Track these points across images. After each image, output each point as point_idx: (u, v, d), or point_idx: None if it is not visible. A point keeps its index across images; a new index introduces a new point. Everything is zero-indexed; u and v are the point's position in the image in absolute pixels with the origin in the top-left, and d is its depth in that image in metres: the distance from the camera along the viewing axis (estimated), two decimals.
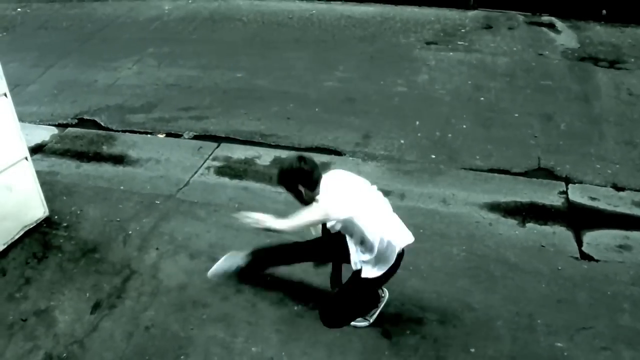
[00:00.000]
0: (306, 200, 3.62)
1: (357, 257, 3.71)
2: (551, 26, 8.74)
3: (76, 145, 6.35)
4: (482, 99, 6.98)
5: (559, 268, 4.57)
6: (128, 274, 4.56)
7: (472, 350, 3.91)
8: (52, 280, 4.54)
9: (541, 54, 7.89)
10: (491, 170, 5.75)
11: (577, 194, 5.41)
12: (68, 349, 3.98)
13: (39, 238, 4.93)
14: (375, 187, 3.81)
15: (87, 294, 4.41)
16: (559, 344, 3.93)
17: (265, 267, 4.28)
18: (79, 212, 5.23)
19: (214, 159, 6.02)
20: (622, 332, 4.02)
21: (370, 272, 3.69)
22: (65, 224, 5.09)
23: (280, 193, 5.38)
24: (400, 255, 3.77)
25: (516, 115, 6.64)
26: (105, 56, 8.41)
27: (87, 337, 4.06)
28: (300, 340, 3.95)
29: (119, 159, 6.07)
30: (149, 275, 4.55)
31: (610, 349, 3.90)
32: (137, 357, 3.91)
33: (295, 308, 4.22)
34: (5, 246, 4.77)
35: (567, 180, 5.58)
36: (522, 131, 6.35)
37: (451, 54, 7.98)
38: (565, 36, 8.39)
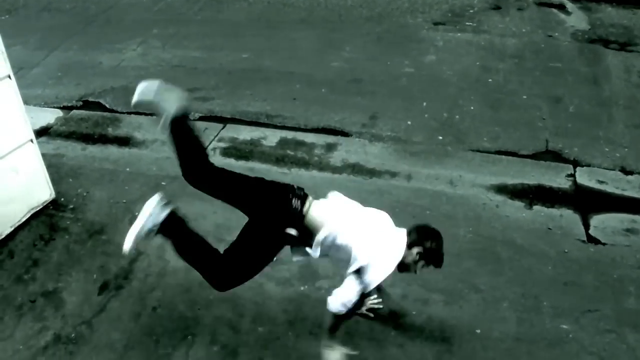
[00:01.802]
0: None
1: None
2: (561, 7, 8.67)
3: (81, 127, 6.34)
4: (490, 80, 6.94)
5: (566, 251, 4.56)
6: (135, 255, 4.57)
7: (478, 331, 3.91)
8: (59, 261, 4.56)
9: (550, 36, 7.82)
10: (499, 152, 5.73)
11: (585, 177, 5.38)
12: (76, 329, 4.00)
13: (45, 220, 4.94)
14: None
15: (95, 275, 4.43)
16: (564, 326, 3.93)
17: None
18: (85, 194, 5.24)
19: (219, 140, 6.01)
20: (628, 315, 4.01)
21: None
22: (71, 206, 5.09)
23: (286, 174, 5.42)
24: None
25: (524, 97, 6.60)
26: (109, 38, 8.38)
27: (95, 318, 4.09)
28: (307, 320, 3.96)
29: (124, 141, 6.07)
30: (155, 256, 4.56)
31: (615, 332, 3.89)
32: (145, 337, 3.93)
33: (302, 288, 4.23)
34: (13, 228, 4.78)
35: (575, 163, 5.56)
36: (530, 113, 6.31)
37: (459, 34, 7.92)
38: (576, 17, 8.31)
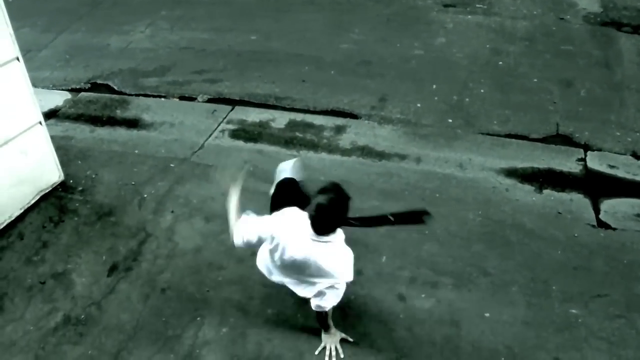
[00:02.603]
0: None
1: None
2: None
3: (90, 109, 6.34)
4: (500, 63, 6.88)
5: (576, 235, 4.54)
6: (144, 237, 4.59)
7: (487, 314, 3.91)
8: (68, 243, 4.58)
9: (562, 18, 7.73)
10: (509, 136, 5.69)
11: (595, 162, 5.34)
12: (86, 310, 4.03)
13: (54, 202, 4.96)
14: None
15: (104, 257, 4.45)
16: (573, 311, 3.93)
17: None
18: (94, 176, 5.25)
19: (228, 122, 6.00)
20: (637, 300, 4.00)
21: None
22: (80, 188, 5.10)
23: (295, 156, 5.39)
24: None
25: (535, 80, 6.54)
26: (117, 20, 8.34)
27: (104, 299, 4.11)
28: None
29: (133, 123, 6.06)
30: (164, 238, 4.57)
31: (624, 317, 3.88)
32: (154, 318, 3.95)
33: None
34: (22, 210, 4.80)
35: (586, 147, 5.51)
36: (541, 97, 6.26)
37: (469, 17, 7.84)
38: (588, 0, 8.21)
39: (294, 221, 3.34)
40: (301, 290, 3.49)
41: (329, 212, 3.14)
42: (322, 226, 3.19)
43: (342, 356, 3.67)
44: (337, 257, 3.29)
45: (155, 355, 3.72)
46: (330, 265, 3.26)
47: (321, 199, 3.14)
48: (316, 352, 3.70)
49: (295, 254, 3.28)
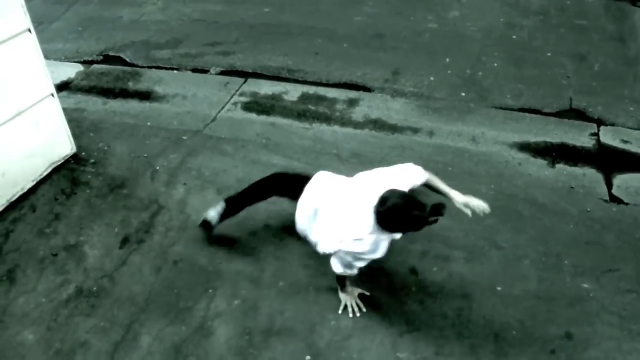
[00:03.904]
0: None
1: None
2: None
3: (102, 81, 6.33)
4: (514, 37, 6.81)
5: (588, 210, 4.52)
6: (156, 209, 4.60)
7: (499, 288, 3.91)
8: (80, 215, 4.59)
9: None
10: (522, 110, 5.65)
11: (608, 136, 5.30)
12: (98, 282, 4.04)
13: (66, 174, 4.96)
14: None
15: (116, 229, 4.46)
16: (585, 285, 3.92)
17: (239, 208, 4.22)
18: (106, 148, 5.25)
19: (241, 95, 5.98)
20: None
21: None
22: (92, 160, 5.11)
23: (308, 129, 5.39)
24: None
25: (549, 54, 6.47)
26: None
27: (117, 272, 4.13)
28: (327, 275, 3.95)
29: (145, 95, 6.05)
30: (176, 210, 4.58)
31: (635, 292, 3.88)
32: (166, 290, 3.97)
33: None
34: (34, 183, 4.82)
35: (599, 122, 5.47)
36: (554, 71, 6.20)
37: None
38: None
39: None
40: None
41: (399, 214, 3.25)
42: (388, 224, 3.32)
43: (364, 310, 3.77)
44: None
45: (167, 327, 3.74)
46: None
47: (396, 200, 3.25)
48: (339, 311, 3.77)
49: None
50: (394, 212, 3.24)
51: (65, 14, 7.81)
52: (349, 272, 3.61)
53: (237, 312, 3.81)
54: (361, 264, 3.54)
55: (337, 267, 3.60)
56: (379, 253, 3.48)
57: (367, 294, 3.85)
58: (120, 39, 7.15)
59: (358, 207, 3.44)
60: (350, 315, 3.76)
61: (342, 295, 3.82)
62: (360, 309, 3.78)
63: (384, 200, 3.26)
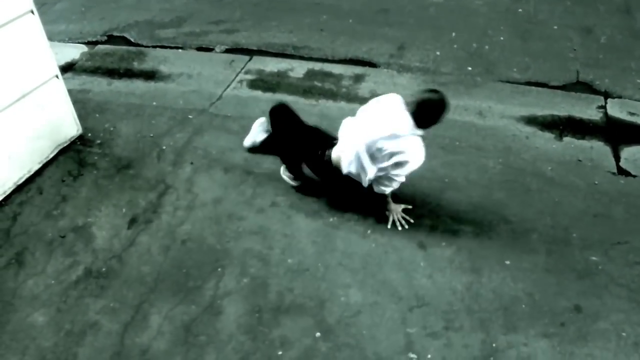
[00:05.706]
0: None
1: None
2: None
3: (106, 62, 6.30)
4: (520, 10, 6.75)
5: (596, 183, 4.50)
6: (163, 189, 4.60)
7: (507, 262, 3.91)
8: (88, 197, 4.59)
9: None
10: (528, 83, 5.62)
11: (615, 109, 5.27)
12: (107, 263, 4.05)
13: (73, 156, 4.96)
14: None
15: (123, 210, 4.46)
16: (593, 258, 3.92)
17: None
18: (112, 129, 5.24)
19: (246, 72, 5.95)
20: None
21: None
22: (98, 142, 5.10)
23: (314, 105, 5.37)
24: None
25: (555, 27, 6.42)
26: None
27: (125, 252, 4.13)
28: (336, 251, 3.98)
29: (150, 75, 6.03)
30: (184, 189, 4.58)
31: None
32: (175, 270, 3.98)
33: (331, 220, 4.24)
34: (41, 165, 4.81)
35: (606, 95, 5.45)
36: (560, 44, 6.16)
37: None
38: None
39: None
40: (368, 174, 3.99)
41: (437, 106, 3.70)
42: (425, 119, 3.73)
43: (411, 221, 4.19)
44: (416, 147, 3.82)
45: (176, 307, 3.75)
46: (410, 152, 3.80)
47: (429, 95, 3.73)
48: (388, 226, 4.17)
49: (387, 146, 3.79)
50: (435, 105, 3.71)
51: None
52: (394, 186, 3.98)
53: (246, 290, 3.81)
54: (401, 176, 3.92)
55: (382, 187, 4.01)
56: (418, 158, 3.82)
57: (410, 207, 4.25)
58: (124, 19, 7.12)
59: (394, 114, 3.81)
60: (399, 228, 4.15)
61: (389, 213, 4.20)
62: (407, 221, 4.18)
63: (423, 100, 3.71)
